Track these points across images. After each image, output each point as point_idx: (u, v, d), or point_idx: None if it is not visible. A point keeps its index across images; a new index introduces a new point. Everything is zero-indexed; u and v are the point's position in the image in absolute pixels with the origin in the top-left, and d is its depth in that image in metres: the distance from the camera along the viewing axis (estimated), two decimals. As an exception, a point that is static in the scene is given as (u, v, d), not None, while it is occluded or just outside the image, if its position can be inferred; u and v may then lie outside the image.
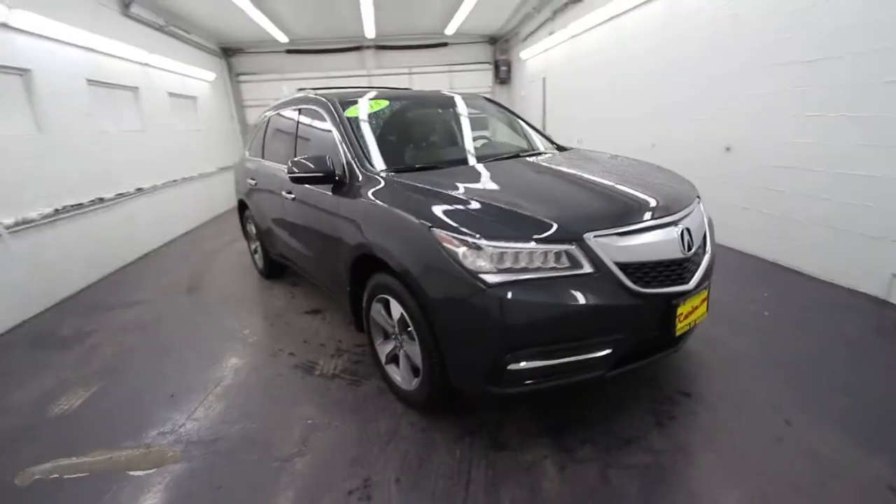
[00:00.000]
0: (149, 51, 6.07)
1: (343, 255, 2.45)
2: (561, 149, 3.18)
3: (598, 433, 2.00)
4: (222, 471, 1.93)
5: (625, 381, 2.34)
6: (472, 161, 2.68)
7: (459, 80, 10.56)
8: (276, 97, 9.77)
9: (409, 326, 2.04)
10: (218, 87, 9.00)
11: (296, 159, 2.49)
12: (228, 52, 9.46)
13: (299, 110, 3.23)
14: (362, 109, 2.78)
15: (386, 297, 2.15)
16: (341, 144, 2.58)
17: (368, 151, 2.52)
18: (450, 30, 9.14)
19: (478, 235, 1.69)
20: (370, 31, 8.80)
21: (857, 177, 3.08)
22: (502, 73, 10.28)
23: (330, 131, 2.72)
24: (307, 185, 2.74)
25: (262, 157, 3.88)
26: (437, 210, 1.86)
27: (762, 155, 3.82)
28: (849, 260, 3.22)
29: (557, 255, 1.68)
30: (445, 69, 10.38)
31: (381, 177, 2.29)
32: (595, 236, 1.72)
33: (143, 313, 3.76)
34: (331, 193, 2.54)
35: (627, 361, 1.86)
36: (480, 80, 10.65)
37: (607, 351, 1.76)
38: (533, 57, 8.75)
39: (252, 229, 4.30)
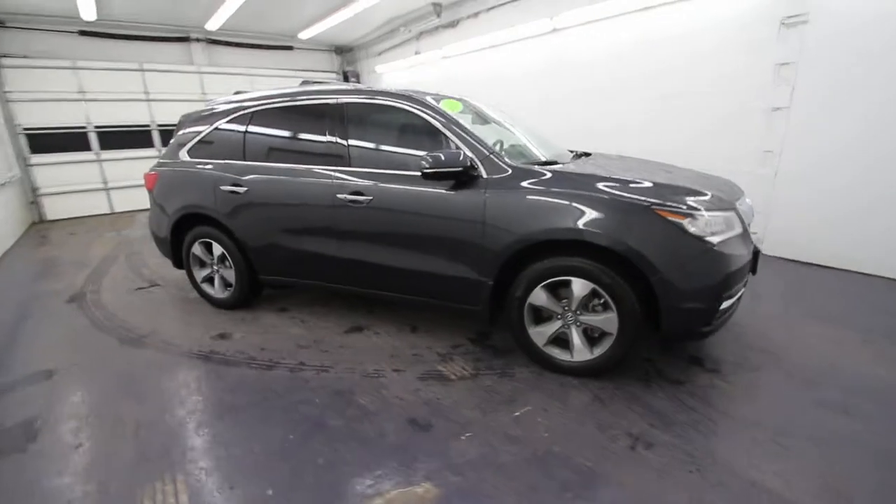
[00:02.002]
0: None
1: (481, 250, 2.47)
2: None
3: (722, 353, 2.68)
4: (492, 488, 1.80)
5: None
6: (566, 158, 3.03)
7: (306, 88, 10.05)
8: (68, 89, 7.36)
9: (598, 299, 2.31)
10: (-27, 69, 6.26)
11: (433, 154, 2.42)
12: (-20, 23, 6.66)
13: (343, 105, 2.91)
14: (452, 108, 2.78)
15: (562, 279, 2.34)
16: (459, 140, 2.57)
17: (491, 147, 2.59)
18: (306, 34, 8.68)
19: (695, 208, 2.14)
20: (216, 23, 7.62)
21: (735, 172, 4.67)
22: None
23: (428, 127, 2.67)
24: (415, 188, 2.61)
25: (244, 161, 3.23)
26: (641, 191, 2.21)
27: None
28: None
29: (727, 219, 2.28)
30: (291, 74, 9.71)
31: (533, 170, 2.45)
32: (738, 205, 2.39)
33: (103, 383, 2.65)
34: (446, 191, 2.52)
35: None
36: (327, 90, 10.37)
37: (743, 290, 2.46)
38: (393, 72, 9.11)
39: (217, 251, 3.44)
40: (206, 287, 3.67)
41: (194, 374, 2.68)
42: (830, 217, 4.03)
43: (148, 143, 8.42)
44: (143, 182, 3.82)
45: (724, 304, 2.22)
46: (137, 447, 2.06)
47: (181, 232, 3.59)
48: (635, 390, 2.36)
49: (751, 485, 1.74)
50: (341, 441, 2.06)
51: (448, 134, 2.61)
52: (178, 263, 3.76)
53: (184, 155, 3.55)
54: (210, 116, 3.48)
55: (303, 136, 3.11)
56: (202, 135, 3.48)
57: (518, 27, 6.24)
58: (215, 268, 3.56)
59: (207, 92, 8.71)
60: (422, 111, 2.70)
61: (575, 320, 2.42)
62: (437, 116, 2.66)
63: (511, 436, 2.05)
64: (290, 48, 9.56)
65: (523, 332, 2.55)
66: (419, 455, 1.95)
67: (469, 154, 2.50)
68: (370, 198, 2.75)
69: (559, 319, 2.46)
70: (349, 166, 2.87)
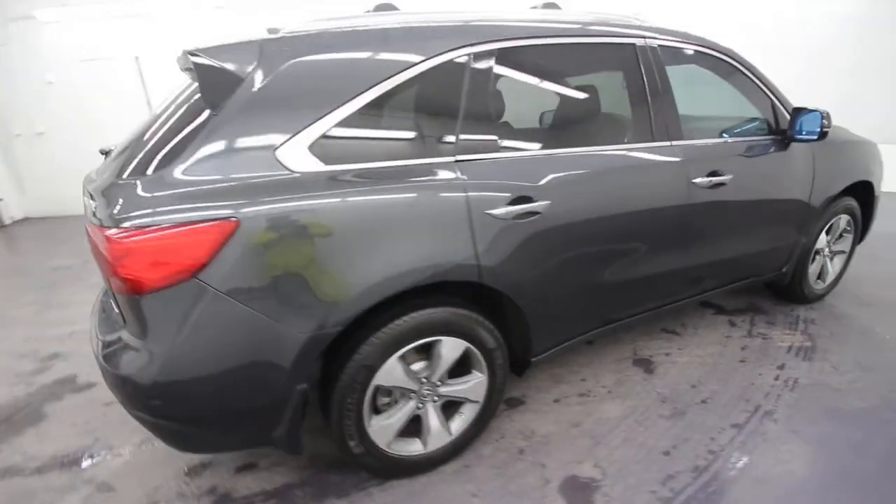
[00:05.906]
0: None
1: (808, 207, 2.43)
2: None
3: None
4: None
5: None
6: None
7: None
8: None
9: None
10: None
11: (820, 112, 2.12)
12: None
13: (658, 50, 1.94)
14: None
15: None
16: (780, 99, 2.34)
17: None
18: None
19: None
20: None
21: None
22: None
23: (748, 85, 2.29)
24: (771, 153, 2.26)
25: (507, 150, 1.65)
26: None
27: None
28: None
29: None
30: None
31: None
32: None
33: None
34: (785, 151, 2.30)
35: None
36: None
37: None
38: (82, 22, 5.40)
39: (449, 353, 1.58)
40: (402, 447, 1.64)
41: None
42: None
43: None
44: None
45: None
46: None
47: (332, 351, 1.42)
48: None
49: None
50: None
51: (770, 92, 2.32)
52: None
53: (305, 161, 1.32)
54: (366, 62, 1.45)
55: (595, 94, 1.89)
56: (361, 103, 1.39)
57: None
58: (427, 392, 1.65)
59: None
60: (743, 65, 2.23)
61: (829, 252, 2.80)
62: (757, 72, 2.29)
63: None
64: None
65: (806, 281, 2.69)
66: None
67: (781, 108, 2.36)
68: (730, 176, 2.07)
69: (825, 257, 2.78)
70: (680, 137, 2.01)
